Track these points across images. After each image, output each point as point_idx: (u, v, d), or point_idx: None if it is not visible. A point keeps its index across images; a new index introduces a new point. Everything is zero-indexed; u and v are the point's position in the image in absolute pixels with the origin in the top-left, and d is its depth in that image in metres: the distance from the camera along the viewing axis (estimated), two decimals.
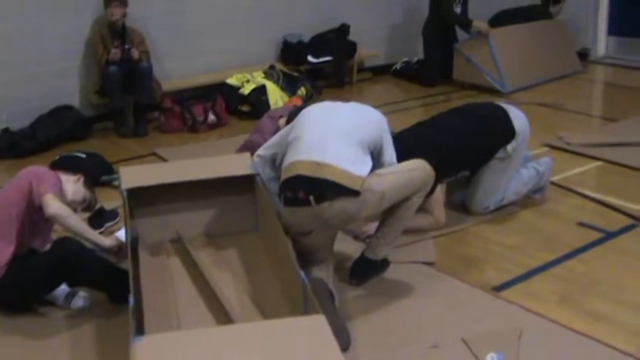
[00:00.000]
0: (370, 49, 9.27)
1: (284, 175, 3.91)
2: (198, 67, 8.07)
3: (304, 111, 4.22)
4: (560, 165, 5.86)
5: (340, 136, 3.93)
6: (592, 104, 8.66)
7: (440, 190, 4.74)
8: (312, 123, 4.05)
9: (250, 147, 5.26)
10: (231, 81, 7.96)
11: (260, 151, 4.33)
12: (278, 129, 5.13)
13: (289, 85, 8.06)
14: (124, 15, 7.17)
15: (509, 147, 4.84)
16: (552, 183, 5.45)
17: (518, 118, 4.98)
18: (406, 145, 4.44)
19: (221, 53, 8.22)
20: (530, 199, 5.22)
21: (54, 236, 4.19)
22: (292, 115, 5.05)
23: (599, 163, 6.09)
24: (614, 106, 8.28)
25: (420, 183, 3.98)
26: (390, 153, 4.13)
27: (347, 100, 8.02)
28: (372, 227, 4.27)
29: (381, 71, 9.45)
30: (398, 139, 4.60)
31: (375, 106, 7.38)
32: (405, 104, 8.13)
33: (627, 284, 4.14)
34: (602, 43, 10.48)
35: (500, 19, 9.18)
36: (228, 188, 4.50)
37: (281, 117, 5.41)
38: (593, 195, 5.39)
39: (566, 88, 8.83)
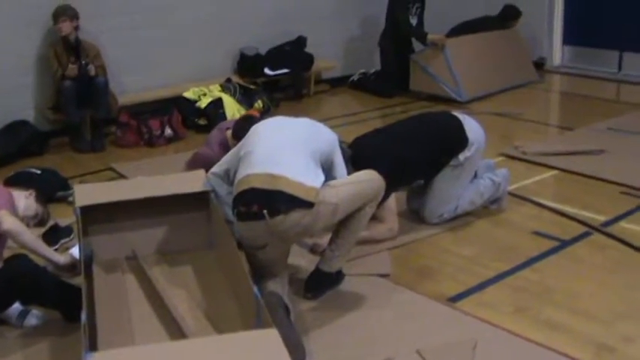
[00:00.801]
0: (327, 60, 9.30)
1: (237, 190, 3.91)
2: (155, 81, 8.03)
3: (255, 126, 4.25)
4: (517, 174, 5.92)
5: (292, 148, 3.97)
6: (548, 113, 8.75)
7: (393, 200, 4.78)
8: (263, 137, 4.08)
9: (198, 159, 5.31)
10: (188, 94, 7.94)
11: (214, 168, 4.34)
12: (225, 139, 5.17)
13: (246, 98, 8.05)
14: (76, 29, 7.10)
15: (461, 156, 4.89)
16: (508, 193, 5.48)
17: (473, 128, 5.04)
18: (360, 154, 4.53)
19: (177, 67, 8.19)
20: (486, 208, 5.26)
21: (7, 253, 4.15)
22: (237, 125, 5.11)
23: (555, 171, 6.17)
24: (570, 114, 8.40)
25: (372, 193, 4.01)
26: (341, 168, 4.19)
27: (305, 111, 8.22)
28: (326, 240, 4.30)
29: (338, 83, 9.48)
30: (352, 147, 4.68)
31: (333, 118, 7.69)
32: (363, 115, 8.16)
33: (581, 293, 4.19)
34: (557, 53, 10.61)
35: (458, 32, 9.27)
36: (182, 205, 4.51)
37: (228, 129, 5.45)
38: (549, 204, 5.45)
39: (522, 97, 8.94)
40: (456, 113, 5.18)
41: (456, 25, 9.50)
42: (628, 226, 5.07)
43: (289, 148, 3.96)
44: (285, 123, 4.25)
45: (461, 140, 4.91)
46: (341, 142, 4.39)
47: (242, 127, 5.01)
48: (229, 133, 5.28)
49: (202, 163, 5.09)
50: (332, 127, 7.07)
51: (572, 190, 5.84)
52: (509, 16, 9.57)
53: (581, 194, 5.69)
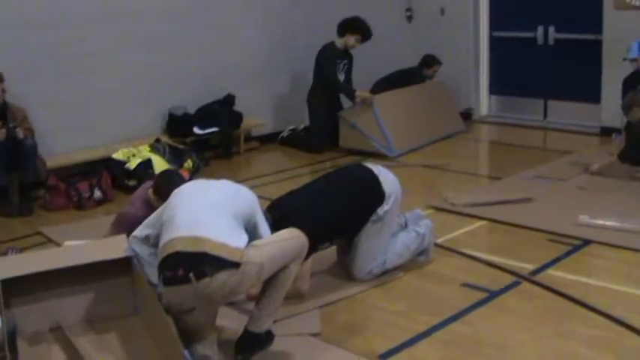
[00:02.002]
0: (256, 118, 9.32)
1: (162, 254, 3.88)
2: (84, 143, 7.93)
3: (176, 190, 4.23)
4: (446, 226, 5.98)
5: (215, 210, 3.97)
6: (477, 163, 8.88)
7: (309, 262, 4.72)
8: (185, 200, 4.07)
9: (122, 219, 5.23)
10: (117, 155, 7.85)
11: (136, 232, 4.29)
12: (147, 197, 5.12)
13: (176, 158, 7.99)
14: (3, 91, 7.01)
15: (379, 210, 4.91)
16: (437, 245, 5.54)
17: (388, 180, 5.07)
18: (281, 214, 4.53)
19: (106, 128, 8.11)
20: (415, 262, 5.28)
21: None
22: (156, 180, 5.09)
23: (484, 222, 6.23)
24: (498, 163, 8.52)
25: (296, 251, 4.02)
26: (264, 229, 4.20)
27: (235, 170, 8.20)
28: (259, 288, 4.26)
29: (268, 140, 9.48)
30: (273, 208, 4.68)
31: (264, 175, 7.69)
32: (293, 172, 8.18)
33: (512, 343, 4.21)
34: (484, 103, 10.82)
35: (381, 86, 9.39)
36: (106, 271, 4.41)
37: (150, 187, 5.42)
38: (478, 255, 5.49)
39: (451, 148, 9.05)
40: (370, 166, 5.18)
41: (378, 79, 9.64)
42: (555, 273, 5.13)
43: (211, 210, 3.96)
44: (205, 186, 4.25)
45: (378, 195, 4.94)
46: (263, 210, 4.41)
47: (161, 182, 5.03)
48: (150, 190, 5.24)
49: (126, 222, 5.04)
50: (263, 185, 7.39)
51: (501, 239, 5.90)
52: (428, 64, 9.75)
53: (509, 244, 5.74)
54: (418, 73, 9.78)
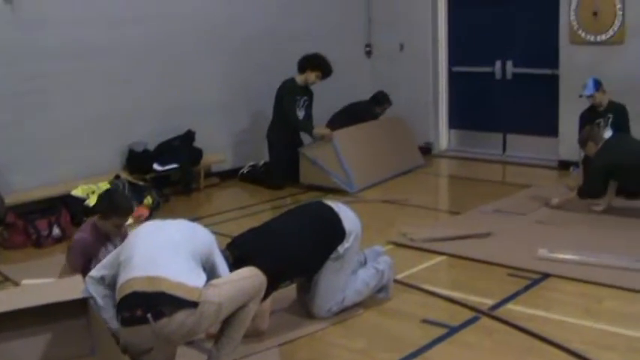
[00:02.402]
0: (217, 154, 9.31)
1: (119, 295, 3.87)
2: (43, 180, 7.85)
3: (134, 231, 4.23)
4: (405, 262, 5.98)
5: (172, 250, 3.97)
6: (436, 198, 8.94)
7: (269, 301, 4.69)
8: (142, 240, 4.06)
9: (73, 246, 5.14)
10: (77, 192, 7.78)
11: (92, 273, 4.26)
12: (94, 221, 5.09)
13: (135, 195, 7.93)
14: None
15: (340, 248, 4.91)
16: (396, 281, 5.54)
17: (348, 217, 5.07)
18: (241, 253, 4.53)
19: (65, 164, 8.04)
20: (375, 298, 5.27)
21: None
22: (98, 201, 5.20)
23: (444, 257, 6.24)
24: (457, 198, 8.57)
25: (254, 290, 4.04)
26: (222, 268, 4.20)
27: (195, 206, 8.18)
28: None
29: (228, 176, 9.46)
30: (233, 245, 4.68)
31: (224, 212, 7.67)
32: (254, 208, 8.16)
33: None
34: (444, 137, 10.90)
35: (337, 120, 9.45)
36: (62, 312, 4.35)
37: None
38: (437, 290, 5.49)
39: (410, 183, 9.10)
40: (331, 203, 5.19)
41: (334, 114, 9.70)
42: (515, 308, 5.15)
43: (168, 250, 3.96)
44: (162, 226, 4.25)
45: (339, 232, 4.94)
46: (221, 249, 4.41)
47: (103, 203, 5.07)
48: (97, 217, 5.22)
49: (77, 248, 5.04)
50: (223, 221, 7.38)
51: (460, 275, 5.92)
52: (380, 102, 9.82)
53: (469, 279, 5.77)
54: (369, 108, 9.84)
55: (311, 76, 8.99)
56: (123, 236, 5.07)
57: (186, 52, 9.05)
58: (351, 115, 9.53)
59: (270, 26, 9.85)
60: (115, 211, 4.98)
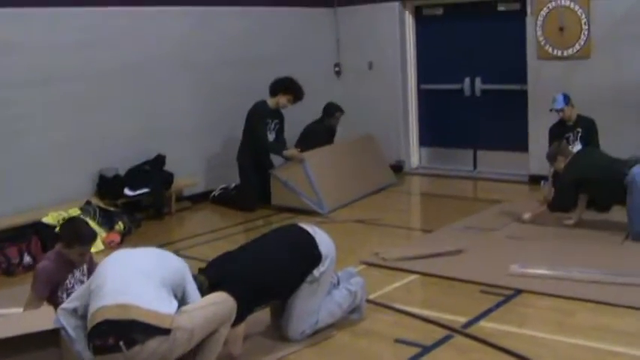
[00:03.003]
0: (188, 177, 9.31)
1: (90, 324, 3.86)
2: (12, 207, 7.78)
3: (104, 260, 4.23)
4: (377, 282, 5.98)
5: (142, 277, 3.98)
6: (409, 216, 8.96)
7: (242, 325, 4.65)
8: (112, 269, 4.06)
9: (37, 274, 5.08)
10: (47, 219, 7.69)
11: (64, 305, 4.25)
12: (59, 248, 5.07)
13: (106, 220, 7.92)
14: None
15: (316, 271, 4.91)
16: (369, 301, 5.54)
17: (324, 241, 5.07)
18: (216, 277, 4.51)
19: (35, 191, 7.96)
20: (348, 319, 5.26)
21: None
22: (61, 229, 5.10)
23: (416, 276, 6.24)
24: (429, 215, 8.62)
25: (225, 315, 4.08)
26: (194, 295, 4.20)
27: (167, 230, 8.15)
28: None
29: (200, 199, 9.47)
30: (207, 270, 4.67)
31: (196, 235, 7.69)
32: (226, 231, 8.14)
33: None
34: (415, 155, 10.96)
35: (303, 143, 9.49)
36: (33, 343, 4.29)
37: None
38: (410, 309, 5.49)
39: (382, 201, 9.13)
40: (306, 226, 5.19)
41: (298, 138, 9.75)
42: (488, 325, 5.16)
43: (139, 278, 3.96)
44: (132, 253, 4.25)
45: (315, 256, 4.94)
46: (194, 273, 4.42)
47: (66, 231, 5.02)
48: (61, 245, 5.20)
49: (41, 276, 4.98)
50: (196, 245, 7.40)
51: (432, 293, 5.93)
52: (330, 113, 9.86)
53: (441, 297, 5.77)
54: (321, 123, 9.88)
55: (282, 99, 9.01)
56: (89, 263, 5.08)
57: (156, 76, 9.04)
58: (309, 136, 9.62)
59: (240, 50, 9.87)
60: (78, 240, 4.95)
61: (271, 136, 9.08)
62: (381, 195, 9.39)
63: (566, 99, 8.02)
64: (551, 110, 8.09)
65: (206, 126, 9.63)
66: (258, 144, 8.96)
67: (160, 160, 8.93)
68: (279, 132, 9.19)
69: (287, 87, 9.01)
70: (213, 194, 9.49)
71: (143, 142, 8.92)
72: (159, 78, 9.09)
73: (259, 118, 8.96)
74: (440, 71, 10.62)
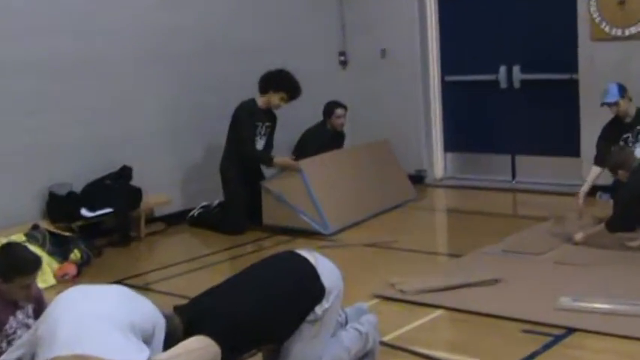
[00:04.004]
0: (160, 194, 9.27)
1: None
2: None
3: (56, 298, 4.18)
4: (394, 319, 5.93)
5: (104, 322, 3.92)
6: (432, 238, 8.92)
7: None
8: (66, 311, 4.00)
9: None
10: None
11: (4, 356, 4.22)
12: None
13: (59, 249, 7.90)
14: None
15: (318, 309, 4.82)
16: (384, 343, 5.47)
17: (328, 271, 4.99)
18: (198, 318, 4.46)
19: None
20: None
21: None
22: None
23: (441, 312, 6.19)
24: (457, 238, 8.58)
25: None
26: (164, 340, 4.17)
27: (135, 259, 8.15)
28: None
29: (175, 220, 9.44)
30: (188, 309, 4.62)
31: (172, 265, 7.75)
32: (208, 259, 8.12)
33: None
34: (439, 163, 10.96)
35: (301, 150, 9.55)
36: None
37: None
38: (434, 354, 5.41)
39: (400, 220, 9.14)
40: (306, 253, 5.10)
41: (295, 145, 9.79)
42: None
43: (99, 323, 3.90)
44: (90, 292, 4.22)
45: (317, 291, 4.85)
46: (169, 313, 4.42)
47: (0, 262, 4.91)
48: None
49: None
50: (171, 277, 7.44)
51: (462, 333, 5.88)
52: (328, 113, 9.89)
53: (474, 338, 5.72)
54: (322, 125, 9.94)
55: (274, 98, 8.98)
56: (36, 302, 5.00)
57: (121, 71, 9.04)
58: (308, 142, 9.69)
59: (223, 38, 9.89)
60: (16, 270, 4.85)
61: (261, 143, 9.08)
62: (398, 212, 9.41)
63: (622, 90, 7.96)
64: (602, 105, 8.03)
65: (183, 130, 9.60)
66: (244, 152, 8.95)
67: (125, 172, 8.92)
68: (270, 137, 9.21)
69: (279, 83, 8.99)
70: (191, 214, 9.47)
71: (104, 151, 8.89)
72: (125, 73, 9.08)
73: (246, 120, 8.95)
74: (469, 59, 10.64)
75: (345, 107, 9.94)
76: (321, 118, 9.96)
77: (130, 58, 9.11)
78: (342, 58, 11.21)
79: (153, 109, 9.36)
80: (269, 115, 9.13)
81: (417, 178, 10.48)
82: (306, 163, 8.86)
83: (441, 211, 9.95)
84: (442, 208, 10.03)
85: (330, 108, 9.90)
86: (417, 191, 10.03)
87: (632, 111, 8.02)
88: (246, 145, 8.92)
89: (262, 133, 9.07)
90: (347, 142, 10.13)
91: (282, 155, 9.21)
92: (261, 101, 9.04)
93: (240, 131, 8.93)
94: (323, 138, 9.75)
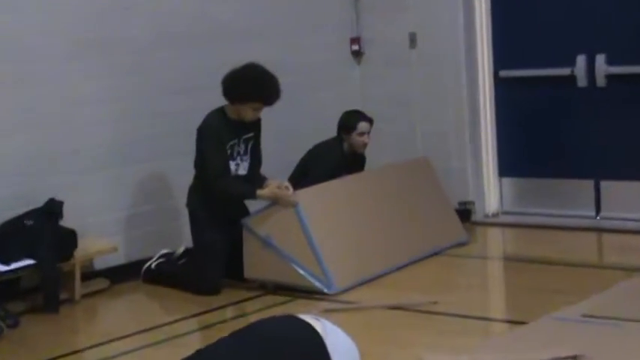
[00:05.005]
0: (102, 238, 9.25)
1: None
2: None
3: None
4: None
5: None
6: (484, 298, 8.90)
7: None
8: None
9: None
10: None
11: None
12: None
13: None
14: None
15: None
16: None
17: (339, 344, 5.00)
18: None
19: None
20: None
21: None
22: None
23: None
24: (519, 297, 8.50)
25: None
26: None
27: (66, 332, 8.25)
28: None
29: (124, 275, 9.41)
30: None
31: (119, 338, 7.81)
32: (171, 330, 8.07)
33: None
34: (491, 192, 10.93)
35: (304, 175, 9.60)
36: None
37: None
38: None
39: (439, 274, 9.13)
40: (309, 319, 5.09)
41: (295, 167, 9.86)
42: None
43: None
44: None
45: None
46: None
47: None
48: None
49: None
50: (117, 356, 7.43)
51: None
52: (347, 128, 9.91)
53: None
54: (337, 142, 9.97)
55: (245, 110, 8.95)
56: None
57: (44, 68, 9.01)
58: (316, 165, 9.73)
59: (194, 19, 9.95)
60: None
61: (244, 165, 9.06)
62: (437, 262, 9.42)
63: None
64: None
65: (135, 148, 9.62)
66: (214, 187, 8.92)
67: (53, 208, 8.91)
68: (254, 153, 9.19)
69: (246, 91, 8.93)
70: (147, 266, 9.46)
71: (25, 178, 8.90)
72: (50, 68, 9.06)
73: (213, 142, 8.92)
74: (533, 47, 10.65)
75: (370, 121, 9.93)
76: (326, 128, 9.99)
77: (60, 48, 9.10)
78: (356, 47, 11.28)
79: (92, 120, 9.34)
80: (247, 127, 9.10)
81: (462, 214, 10.46)
82: (304, 195, 8.81)
83: (495, 260, 9.98)
84: (497, 254, 10.04)
85: (352, 121, 9.90)
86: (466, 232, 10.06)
87: None
88: (216, 178, 8.87)
89: (241, 151, 9.03)
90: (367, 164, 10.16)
91: (277, 179, 9.12)
92: (230, 111, 9.03)
93: (207, 158, 8.91)
94: (336, 160, 9.77)
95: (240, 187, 9.03)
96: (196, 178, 9.14)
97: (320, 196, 8.98)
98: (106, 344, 7.75)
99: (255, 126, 9.17)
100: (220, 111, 9.01)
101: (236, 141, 8.99)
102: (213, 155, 8.88)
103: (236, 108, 8.94)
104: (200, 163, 9.03)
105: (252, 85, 8.88)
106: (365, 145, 9.93)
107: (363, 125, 9.87)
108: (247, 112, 8.93)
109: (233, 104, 8.94)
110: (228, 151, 8.95)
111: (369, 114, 9.97)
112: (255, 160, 9.18)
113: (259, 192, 8.88)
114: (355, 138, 9.86)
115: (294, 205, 8.71)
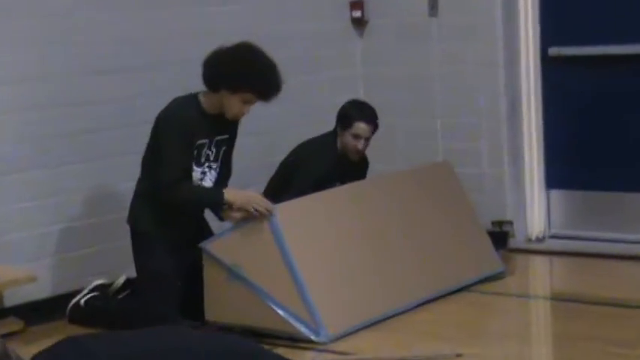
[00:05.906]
0: (17, 267, 9.26)
1: None
2: None
3: None
4: None
5: None
6: (525, 350, 8.84)
7: None
8: None
9: None
10: None
11: None
12: None
13: None
14: None
15: None
16: None
17: None
18: None
19: None
20: None
21: None
22: None
23: None
24: (570, 347, 8.49)
25: None
26: None
27: None
28: None
29: (45, 314, 9.45)
30: None
31: None
32: None
33: None
34: (536, 210, 10.89)
35: (285, 180, 9.71)
36: None
37: None
38: None
39: (462, 317, 9.16)
40: None
41: (276, 171, 9.99)
42: None
43: None
44: None
45: None
46: None
47: None
48: None
49: None
50: None
51: None
52: (344, 123, 9.98)
53: None
54: (333, 143, 10.02)
55: (232, 102, 8.94)
56: None
57: None
58: (306, 167, 9.78)
59: None
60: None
61: (209, 176, 9.09)
62: (460, 300, 9.44)
63: None
64: None
65: (57, 155, 9.69)
66: (171, 195, 8.90)
67: None
68: (225, 161, 9.22)
69: (240, 74, 8.94)
70: (75, 302, 9.49)
71: None
72: None
73: (180, 135, 8.90)
74: (594, 18, 10.69)
75: (373, 124, 9.95)
76: (316, 121, 10.16)
77: None
78: (358, 13, 11.32)
79: (5, 123, 9.38)
80: (222, 126, 9.12)
81: (496, 237, 10.50)
82: (286, 210, 8.79)
83: (539, 299, 10.01)
84: (542, 292, 10.08)
85: (349, 114, 9.96)
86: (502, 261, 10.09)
87: None
88: (171, 185, 8.85)
89: (211, 156, 9.04)
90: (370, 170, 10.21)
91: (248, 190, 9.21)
92: (208, 101, 9.03)
93: (165, 157, 8.89)
94: (330, 164, 9.82)
95: (200, 191, 9.01)
96: (143, 182, 9.15)
97: (307, 213, 8.97)
98: None
99: (233, 127, 9.20)
100: (193, 98, 9.01)
101: (206, 141, 8.98)
102: (175, 155, 8.85)
103: (218, 98, 8.93)
104: (152, 161, 9.01)
105: (248, 71, 8.90)
106: (358, 152, 9.95)
107: (359, 126, 9.88)
108: (234, 105, 8.91)
109: (216, 92, 8.92)
110: (194, 152, 8.95)
111: (368, 99, 10.13)
112: (226, 170, 9.22)
113: (227, 195, 8.81)
114: (348, 138, 9.90)
115: (268, 216, 8.65)
